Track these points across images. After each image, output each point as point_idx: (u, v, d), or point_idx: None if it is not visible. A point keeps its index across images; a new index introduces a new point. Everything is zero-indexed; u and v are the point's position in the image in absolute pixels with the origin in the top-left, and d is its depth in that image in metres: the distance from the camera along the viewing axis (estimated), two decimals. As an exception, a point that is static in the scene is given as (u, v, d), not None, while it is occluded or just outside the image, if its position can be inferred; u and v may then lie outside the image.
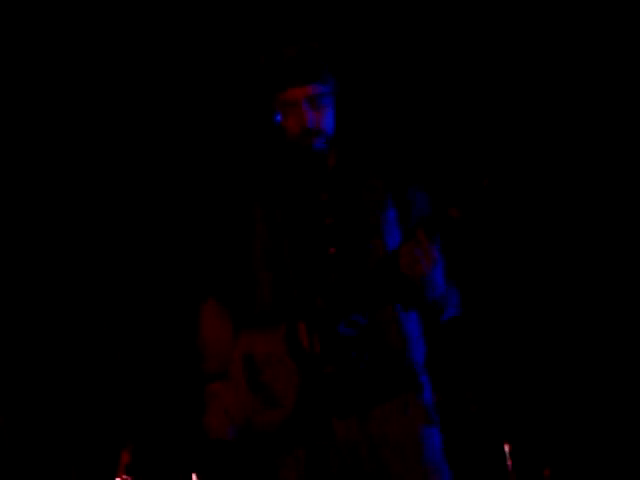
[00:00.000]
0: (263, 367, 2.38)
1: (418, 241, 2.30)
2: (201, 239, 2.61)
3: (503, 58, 4.35)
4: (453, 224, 2.29)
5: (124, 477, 3.71)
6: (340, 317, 2.37)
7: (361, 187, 2.52)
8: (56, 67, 4.22)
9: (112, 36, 4.23)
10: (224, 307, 2.55)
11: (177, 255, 4.19)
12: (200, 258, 2.60)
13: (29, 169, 4.34)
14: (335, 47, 2.53)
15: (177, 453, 4.05)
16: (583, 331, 4.44)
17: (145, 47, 4.29)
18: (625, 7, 4.14)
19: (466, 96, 4.40)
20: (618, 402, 4.37)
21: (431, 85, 4.41)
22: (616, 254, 4.43)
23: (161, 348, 4.25)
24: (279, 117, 2.47)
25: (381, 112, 4.29)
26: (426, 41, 4.36)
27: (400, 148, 3.98)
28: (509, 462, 3.98)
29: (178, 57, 4.34)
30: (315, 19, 4.13)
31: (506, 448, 3.98)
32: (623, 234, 4.39)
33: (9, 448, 3.51)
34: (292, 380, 2.35)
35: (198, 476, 3.86)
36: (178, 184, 4.36)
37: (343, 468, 2.39)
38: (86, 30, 4.20)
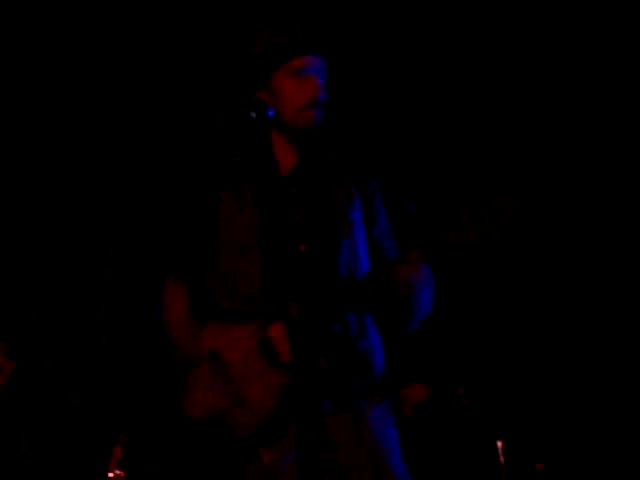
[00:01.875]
0: (233, 365, 2.34)
1: (414, 263, 2.28)
2: (169, 220, 2.56)
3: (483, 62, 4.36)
4: (450, 249, 2.28)
5: (117, 472, 3.71)
6: (330, 319, 2.35)
7: (332, 184, 2.49)
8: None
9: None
10: (184, 288, 2.50)
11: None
12: (166, 238, 2.56)
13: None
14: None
15: (171, 448, 4.05)
16: (575, 326, 4.45)
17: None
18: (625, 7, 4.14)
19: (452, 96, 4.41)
20: (610, 397, 4.37)
21: (410, 84, 4.41)
22: (594, 246, 4.45)
23: (152, 342, 4.24)
24: (279, 90, 2.45)
25: (358, 111, 4.29)
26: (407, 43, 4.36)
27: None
28: (501, 457, 3.98)
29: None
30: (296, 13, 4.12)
31: (498, 443, 3.98)
32: (604, 231, 4.41)
33: (1, 444, 3.51)
34: (268, 384, 2.31)
35: (190, 470, 3.86)
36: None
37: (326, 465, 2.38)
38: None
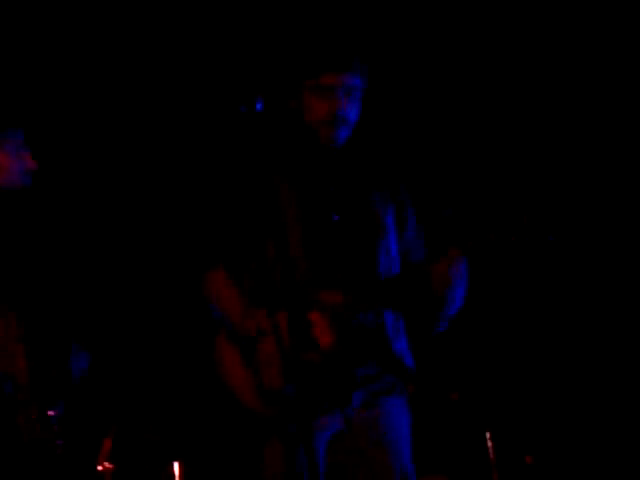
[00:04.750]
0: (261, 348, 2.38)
1: (453, 260, 2.32)
2: (211, 213, 2.58)
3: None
4: (489, 248, 2.31)
5: (106, 465, 3.71)
6: (356, 312, 2.37)
7: (368, 188, 2.52)
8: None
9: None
10: (232, 279, 2.53)
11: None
12: (208, 230, 2.58)
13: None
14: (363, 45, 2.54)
15: (160, 441, 4.05)
16: (563, 318, 4.46)
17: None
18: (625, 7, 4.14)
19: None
20: (598, 389, 4.38)
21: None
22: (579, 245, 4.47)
23: (145, 337, 4.25)
24: (300, 103, 2.47)
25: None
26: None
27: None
28: (490, 450, 4.00)
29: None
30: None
31: (487, 436, 4.00)
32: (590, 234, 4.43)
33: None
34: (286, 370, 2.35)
35: (180, 464, 3.86)
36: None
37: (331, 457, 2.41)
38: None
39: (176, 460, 3.84)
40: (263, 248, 2.50)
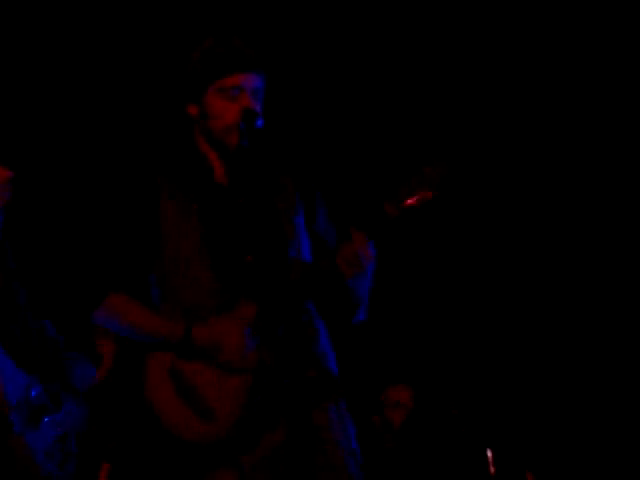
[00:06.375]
0: (195, 378, 2.29)
1: (358, 240, 2.29)
2: (108, 235, 2.49)
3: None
4: (389, 222, 2.29)
5: (105, 486, 3.68)
6: (281, 320, 2.32)
7: (275, 192, 2.48)
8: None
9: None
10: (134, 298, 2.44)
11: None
12: (107, 255, 2.49)
13: None
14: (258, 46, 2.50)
15: (157, 464, 4.01)
16: (565, 337, 4.46)
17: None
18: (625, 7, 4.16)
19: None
20: (599, 405, 4.39)
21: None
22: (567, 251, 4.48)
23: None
24: (203, 110, 2.42)
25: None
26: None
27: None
28: (491, 466, 3.99)
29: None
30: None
31: (488, 452, 3.99)
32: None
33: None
34: (232, 395, 2.29)
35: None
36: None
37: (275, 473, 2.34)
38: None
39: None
40: (166, 268, 2.43)
